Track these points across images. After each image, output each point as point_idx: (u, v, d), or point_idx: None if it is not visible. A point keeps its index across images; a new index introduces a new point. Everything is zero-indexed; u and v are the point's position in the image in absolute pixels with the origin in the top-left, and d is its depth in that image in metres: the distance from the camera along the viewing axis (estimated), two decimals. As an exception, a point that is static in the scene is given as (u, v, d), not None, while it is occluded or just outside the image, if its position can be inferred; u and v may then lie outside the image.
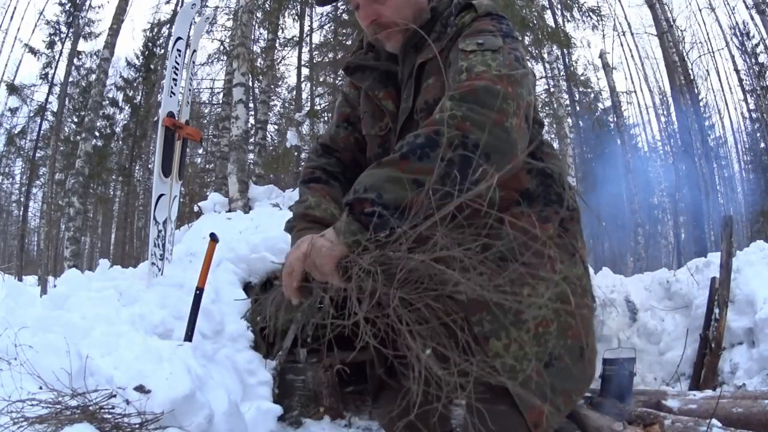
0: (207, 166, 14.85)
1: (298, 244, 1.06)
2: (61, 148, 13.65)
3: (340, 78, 11.05)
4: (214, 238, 2.91)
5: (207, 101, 15.65)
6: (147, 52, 14.21)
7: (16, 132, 14.73)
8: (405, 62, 1.30)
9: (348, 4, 1.31)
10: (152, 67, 13.91)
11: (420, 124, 1.15)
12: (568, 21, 11.32)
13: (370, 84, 1.35)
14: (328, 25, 10.45)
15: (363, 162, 1.40)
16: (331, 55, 10.47)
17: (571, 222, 1.28)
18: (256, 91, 10.86)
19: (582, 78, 12.83)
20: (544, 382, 1.14)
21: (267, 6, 8.98)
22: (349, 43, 9.24)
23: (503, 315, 1.14)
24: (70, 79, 13.90)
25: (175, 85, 3.35)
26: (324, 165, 1.40)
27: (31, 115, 14.58)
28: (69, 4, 13.62)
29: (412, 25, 1.24)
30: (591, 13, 10.44)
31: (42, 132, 14.48)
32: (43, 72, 13.89)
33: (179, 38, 3.37)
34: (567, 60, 12.43)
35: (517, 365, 1.14)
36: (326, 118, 10.57)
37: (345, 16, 9.66)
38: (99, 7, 14.36)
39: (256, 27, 9.56)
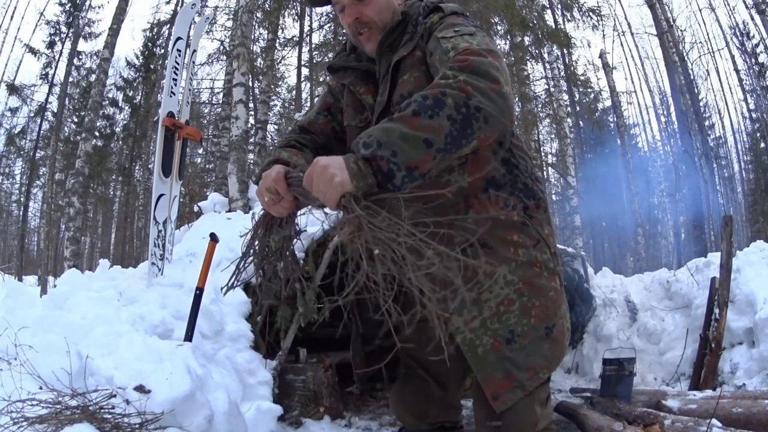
0: (207, 166, 14.84)
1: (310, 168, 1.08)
2: (61, 148, 13.63)
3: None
4: (214, 238, 2.91)
5: (207, 101, 15.66)
6: (147, 52, 14.19)
7: (16, 132, 14.71)
8: (381, 61, 1.41)
9: (334, 6, 1.40)
10: (152, 67, 13.89)
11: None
12: (568, 21, 11.33)
13: (352, 80, 1.47)
14: (328, 25, 10.45)
15: (336, 149, 1.50)
16: (331, 55, 10.45)
17: (536, 210, 1.37)
18: (256, 91, 10.86)
19: (582, 78, 12.83)
20: (505, 357, 1.24)
21: (267, 6, 8.98)
22: (349, 43, 9.22)
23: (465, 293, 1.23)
24: (70, 79, 13.89)
25: (175, 85, 3.35)
26: (299, 139, 1.51)
27: (31, 115, 14.56)
28: (69, 4, 13.60)
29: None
30: (591, 13, 10.45)
31: (42, 132, 14.47)
32: (43, 72, 13.88)
33: (179, 38, 3.37)
34: (567, 60, 12.43)
35: (476, 339, 1.25)
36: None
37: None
38: (99, 7, 14.36)
39: (256, 27, 9.57)
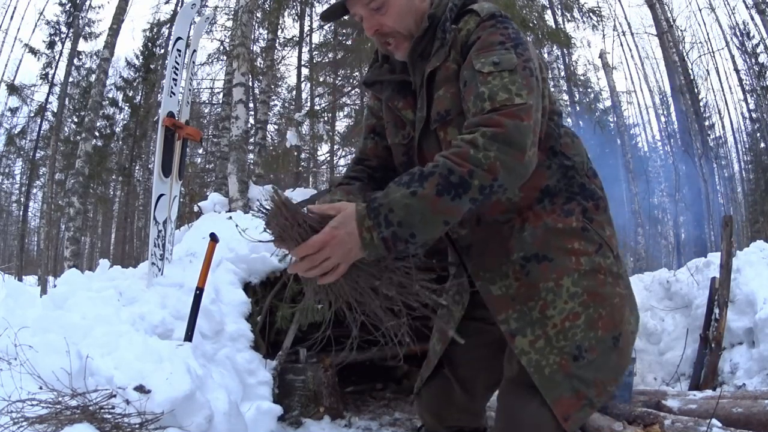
0: (207, 166, 14.84)
1: (334, 227, 1.02)
2: (61, 148, 13.63)
3: (339, 78, 11.05)
4: (214, 238, 2.91)
5: (207, 101, 15.66)
6: (147, 52, 14.19)
7: (16, 132, 14.72)
8: (415, 71, 1.31)
9: (353, 17, 1.30)
10: (152, 67, 13.88)
11: (437, 134, 1.24)
12: (569, 21, 11.31)
13: (389, 95, 1.37)
14: (328, 25, 10.43)
15: (392, 166, 1.43)
16: (331, 55, 10.46)
17: (596, 212, 1.28)
18: (256, 91, 10.86)
19: (582, 78, 12.83)
20: (573, 375, 1.16)
21: (267, 6, 8.97)
22: (348, 43, 9.24)
23: (528, 312, 1.20)
24: (70, 79, 13.90)
25: (175, 85, 3.34)
26: (350, 173, 1.44)
27: (31, 115, 14.57)
28: (69, 4, 13.60)
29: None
30: (591, 14, 10.44)
31: (42, 132, 14.48)
32: (43, 72, 13.87)
33: (179, 38, 3.37)
34: (567, 60, 12.44)
35: (542, 360, 1.17)
36: (326, 118, 10.56)
37: (345, 17, 9.66)
38: (99, 7, 14.36)
39: (256, 27, 9.55)
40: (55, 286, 3.18)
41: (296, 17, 10.42)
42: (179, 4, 12.59)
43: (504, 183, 1.04)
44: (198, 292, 2.76)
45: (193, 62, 3.86)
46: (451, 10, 1.25)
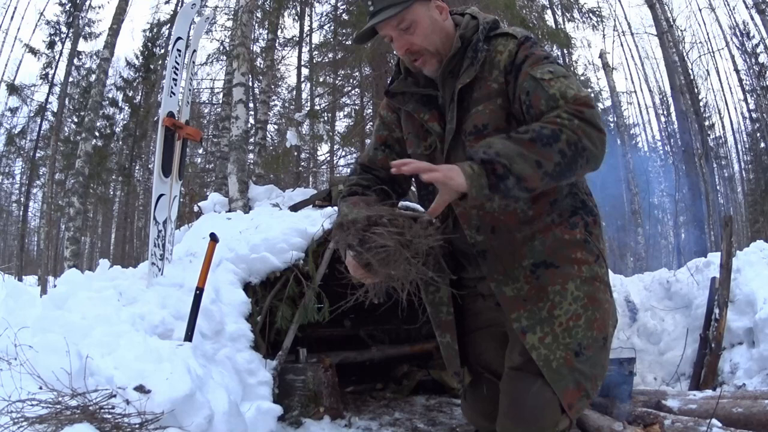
0: (207, 166, 14.85)
1: (449, 169, 1.17)
2: (61, 148, 13.63)
3: (339, 78, 11.04)
4: (214, 238, 2.92)
5: (207, 101, 15.66)
6: (147, 52, 14.20)
7: (16, 132, 14.72)
8: (445, 87, 1.41)
9: (384, 38, 1.39)
10: (152, 67, 13.90)
11: (469, 144, 1.34)
12: (569, 21, 11.33)
13: (414, 106, 1.46)
14: (328, 25, 10.43)
15: (401, 180, 1.54)
16: (331, 55, 10.45)
17: (594, 226, 1.43)
18: (256, 91, 10.86)
19: (582, 78, 12.83)
20: (575, 369, 1.31)
21: (267, 6, 8.97)
22: (348, 42, 9.23)
23: (538, 312, 1.34)
24: (70, 79, 13.89)
25: (175, 85, 3.35)
26: (360, 181, 1.54)
27: (31, 115, 14.57)
28: (69, 4, 13.60)
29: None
30: (591, 14, 10.45)
31: (42, 132, 14.48)
32: (43, 72, 13.88)
33: (179, 38, 3.37)
34: (567, 60, 12.43)
35: (550, 354, 1.32)
36: (326, 118, 10.56)
37: (345, 16, 9.66)
38: (99, 7, 14.36)
39: (256, 27, 9.56)
40: (55, 286, 3.18)
41: (296, 17, 10.43)
42: (179, 4, 12.59)
43: (588, 148, 1.20)
44: (198, 292, 2.77)
45: (193, 62, 3.86)
46: (482, 32, 1.38)
